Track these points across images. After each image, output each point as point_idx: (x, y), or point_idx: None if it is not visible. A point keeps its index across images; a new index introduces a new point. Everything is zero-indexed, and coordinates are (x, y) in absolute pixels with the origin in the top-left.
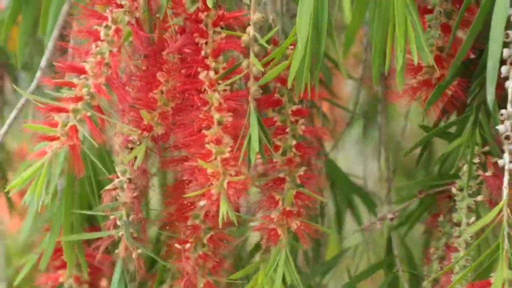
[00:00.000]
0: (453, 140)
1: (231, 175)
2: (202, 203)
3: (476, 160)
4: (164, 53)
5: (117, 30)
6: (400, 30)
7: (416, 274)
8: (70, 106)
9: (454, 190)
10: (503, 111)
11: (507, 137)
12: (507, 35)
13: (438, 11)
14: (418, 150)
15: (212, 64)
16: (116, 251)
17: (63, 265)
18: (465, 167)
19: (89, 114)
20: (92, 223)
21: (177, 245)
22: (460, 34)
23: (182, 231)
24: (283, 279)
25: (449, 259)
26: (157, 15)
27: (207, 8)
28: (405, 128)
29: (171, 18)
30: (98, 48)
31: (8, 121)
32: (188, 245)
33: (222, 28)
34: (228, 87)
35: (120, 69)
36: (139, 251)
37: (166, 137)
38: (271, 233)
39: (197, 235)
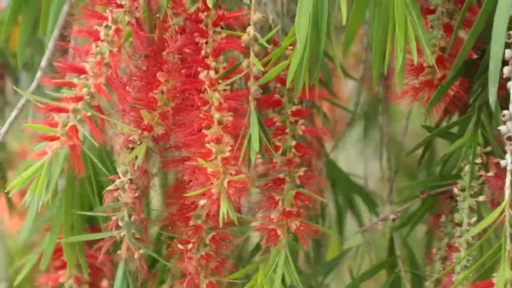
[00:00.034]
0: (455, 141)
1: (231, 174)
2: (202, 202)
3: (478, 161)
4: (164, 53)
5: (117, 30)
6: (400, 30)
7: (418, 275)
8: (70, 106)
9: (455, 190)
10: (505, 112)
11: (509, 138)
12: (509, 36)
13: (441, 11)
14: (419, 151)
15: (212, 64)
16: (118, 252)
17: (63, 265)
18: (467, 168)
19: (89, 114)
20: (92, 223)
21: (179, 246)
22: (462, 34)
23: (183, 231)
24: (283, 280)
25: (451, 260)
26: (157, 15)
27: (207, 8)
28: (406, 128)
29: (171, 18)
30: (98, 48)
31: (8, 121)
32: (190, 246)
33: (222, 28)
34: (228, 87)
35: (121, 69)
36: (141, 251)
37: (166, 137)
38: (271, 234)
39: (199, 235)
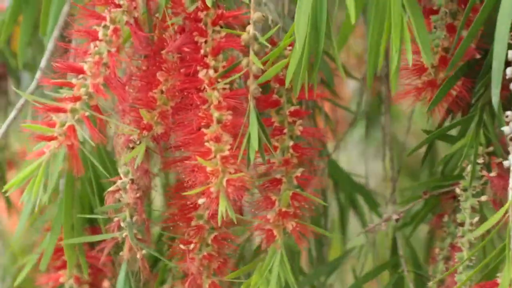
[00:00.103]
0: (457, 141)
1: (230, 173)
2: (201, 201)
3: (480, 161)
4: (163, 52)
5: (115, 30)
6: (396, 30)
7: (421, 275)
8: (68, 106)
9: (458, 190)
10: (508, 112)
11: None
12: None
13: (444, 11)
14: (421, 151)
15: (212, 63)
16: (121, 253)
17: (64, 266)
18: (469, 168)
19: (87, 114)
20: (93, 223)
21: (181, 246)
22: (466, 34)
23: (185, 232)
24: (278, 280)
25: (455, 259)
26: (156, 15)
27: (206, 7)
28: (409, 128)
29: (170, 17)
30: (96, 48)
31: (7, 121)
32: (192, 246)
33: (221, 27)
34: (227, 86)
35: (120, 69)
36: (143, 251)
37: (166, 136)
38: (267, 234)
39: (201, 235)
